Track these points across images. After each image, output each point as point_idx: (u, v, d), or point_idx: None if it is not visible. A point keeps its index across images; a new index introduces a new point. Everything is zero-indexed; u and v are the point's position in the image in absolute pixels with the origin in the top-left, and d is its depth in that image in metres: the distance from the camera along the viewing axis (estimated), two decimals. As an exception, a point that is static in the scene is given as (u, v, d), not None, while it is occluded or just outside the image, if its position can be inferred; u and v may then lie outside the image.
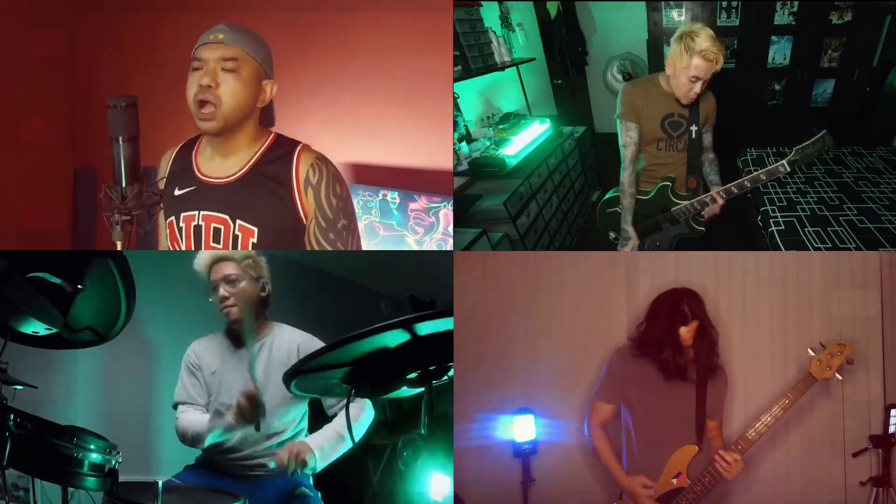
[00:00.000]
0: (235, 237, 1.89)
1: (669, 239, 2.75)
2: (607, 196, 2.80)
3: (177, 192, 1.95)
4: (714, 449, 2.03)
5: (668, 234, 2.74)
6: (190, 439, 2.22)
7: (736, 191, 2.53)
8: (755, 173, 2.48)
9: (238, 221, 1.89)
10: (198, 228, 1.92)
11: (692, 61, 2.44)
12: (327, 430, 2.23)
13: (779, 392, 2.08)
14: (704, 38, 2.42)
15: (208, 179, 1.94)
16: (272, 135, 1.98)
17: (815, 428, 2.35)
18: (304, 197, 1.88)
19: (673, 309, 2.01)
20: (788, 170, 2.41)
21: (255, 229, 1.88)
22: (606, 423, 2.11)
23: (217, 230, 1.91)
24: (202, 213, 1.91)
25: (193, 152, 2.01)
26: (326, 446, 2.18)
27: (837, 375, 2.02)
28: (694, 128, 2.63)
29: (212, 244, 1.92)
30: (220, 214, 1.90)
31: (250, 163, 1.91)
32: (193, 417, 2.23)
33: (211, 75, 1.83)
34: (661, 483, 1.98)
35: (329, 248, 1.89)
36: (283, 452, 2.14)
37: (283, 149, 1.93)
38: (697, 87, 2.50)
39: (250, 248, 1.92)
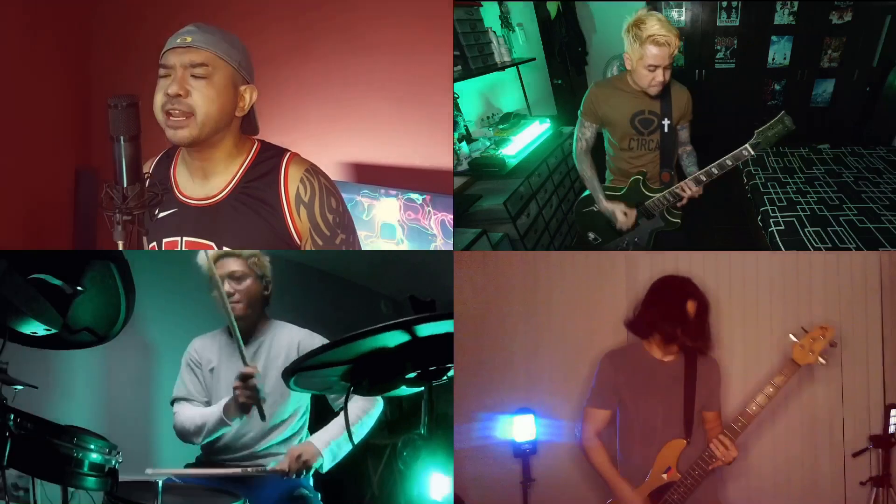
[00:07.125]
0: None
1: (647, 234, 2.72)
2: (583, 195, 2.75)
3: (159, 215, 1.70)
4: (710, 439, 2.01)
5: (645, 230, 2.71)
6: (187, 434, 2.21)
7: (704, 178, 2.48)
8: (721, 159, 2.40)
9: (225, 249, 1.79)
10: None
11: (644, 50, 2.36)
12: (332, 427, 2.17)
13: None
14: (652, 23, 2.33)
15: (189, 201, 1.79)
16: (256, 143, 1.83)
17: (816, 428, 2.35)
18: (296, 217, 1.75)
19: (679, 287, 1.99)
20: (753, 154, 2.33)
21: None
22: (602, 431, 2.06)
23: None
24: (185, 238, 1.78)
25: (172, 169, 1.85)
26: (334, 445, 2.12)
27: (821, 360, 1.93)
28: (666, 122, 2.55)
29: None
30: (204, 241, 1.77)
31: (234, 180, 1.76)
32: (191, 413, 2.22)
33: (179, 83, 1.69)
34: (651, 479, 1.98)
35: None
36: (285, 460, 2.10)
37: (270, 161, 1.79)
38: (659, 75, 2.41)
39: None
